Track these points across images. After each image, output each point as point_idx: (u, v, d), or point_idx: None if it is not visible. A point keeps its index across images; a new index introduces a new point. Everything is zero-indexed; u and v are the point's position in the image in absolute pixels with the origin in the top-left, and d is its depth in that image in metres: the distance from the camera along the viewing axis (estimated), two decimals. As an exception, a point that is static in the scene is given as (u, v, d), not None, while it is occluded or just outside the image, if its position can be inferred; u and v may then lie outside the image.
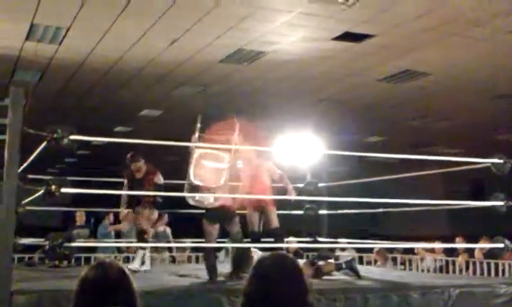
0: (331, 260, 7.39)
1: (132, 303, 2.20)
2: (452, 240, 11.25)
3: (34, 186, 6.15)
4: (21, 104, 5.08)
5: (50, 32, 8.44)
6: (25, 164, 6.04)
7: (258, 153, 7.17)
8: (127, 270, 2.35)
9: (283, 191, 7.24)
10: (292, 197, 7.21)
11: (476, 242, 9.78)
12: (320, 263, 7.09)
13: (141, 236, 7.71)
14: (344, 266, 7.23)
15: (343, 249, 11.07)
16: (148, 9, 7.74)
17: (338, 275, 7.10)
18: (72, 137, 5.25)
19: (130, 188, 7.73)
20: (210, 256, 6.59)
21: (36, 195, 5.70)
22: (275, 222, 7.04)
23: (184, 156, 7.01)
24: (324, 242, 8.63)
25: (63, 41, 8.78)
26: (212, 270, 6.36)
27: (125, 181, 7.87)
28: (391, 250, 11.10)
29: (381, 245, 10.10)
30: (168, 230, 11.85)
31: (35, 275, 6.77)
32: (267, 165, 7.14)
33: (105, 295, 2.17)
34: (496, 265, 9.85)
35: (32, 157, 6.02)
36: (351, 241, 9.23)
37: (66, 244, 5.26)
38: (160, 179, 7.70)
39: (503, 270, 9.83)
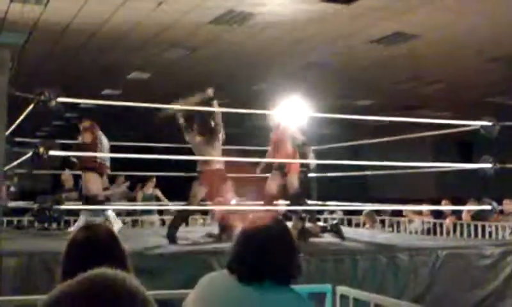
0: (319, 223, 7.51)
1: (123, 263, 2.20)
2: (439, 203, 11.35)
3: (22, 149, 6.13)
4: (7, 66, 5.03)
5: (36, -7, 8.32)
6: (12, 127, 6.01)
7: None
8: (115, 231, 2.36)
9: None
10: (313, 161, 7.54)
11: (463, 204, 9.86)
12: (308, 225, 7.20)
13: (88, 201, 7.47)
14: (329, 228, 7.39)
15: (332, 212, 11.16)
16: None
17: (325, 238, 7.18)
18: (60, 99, 5.22)
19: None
20: (177, 223, 6.75)
21: (24, 157, 5.68)
22: (295, 187, 7.27)
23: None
24: (313, 205, 8.68)
25: (48, 2, 8.66)
26: (172, 238, 6.45)
27: None
28: (379, 212, 11.20)
29: (369, 207, 10.18)
30: (158, 192, 11.90)
31: (24, 238, 6.79)
32: (292, 131, 7.32)
33: (94, 256, 2.14)
34: (484, 227, 9.95)
35: (19, 120, 5.98)
36: (340, 204, 9.28)
37: (55, 207, 5.27)
38: (83, 139, 7.62)
39: (490, 232, 9.93)
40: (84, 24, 9.69)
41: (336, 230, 7.31)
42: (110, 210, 7.67)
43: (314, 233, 7.13)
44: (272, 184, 7.29)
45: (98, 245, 2.23)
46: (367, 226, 10.78)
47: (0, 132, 4.90)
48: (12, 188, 6.77)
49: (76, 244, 2.25)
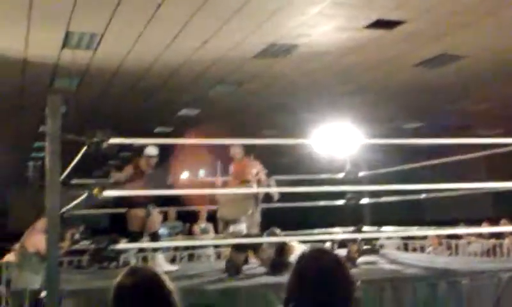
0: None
1: (169, 305, 2.24)
2: (497, 223, 11.06)
3: (79, 190, 6.24)
4: (59, 111, 5.15)
5: (86, 38, 8.56)
6: (68, 170, 6.15)
7: None
8: (161, 273, 2.37)
9: None
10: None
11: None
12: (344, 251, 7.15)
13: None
14: (366, 249, 7.38)
15: (389, 238, 11.00)
16: (178, 12, 7.79)
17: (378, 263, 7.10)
18: (111, 140, 5.33)
19: None
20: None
21: (80, 199, 5.79)
22: None
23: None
24: (367, 232, 8.56)
25: (98, 47, 8.90)
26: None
27: None
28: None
29: (426, 232, 9.97)
30: (209, 226, 11.95)
31: (83, 278, 6.89)
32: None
33: (140, 300, 2.21)
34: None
35: (73, 163, 6.12)
36: (395, 229, 9.14)
37: (111, 247, 5.34)
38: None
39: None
40: (133, 66, 9.93)
41: (374, 250, 7.36)
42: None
43: (353, 258, 7.05)
44: None
45: (143, 289, 2.26)
46: (430, 249, 10.58)
47: (54, 179, 4.99)
48: (77, 236, 6.94)
49: (123, 288, 2.29)
